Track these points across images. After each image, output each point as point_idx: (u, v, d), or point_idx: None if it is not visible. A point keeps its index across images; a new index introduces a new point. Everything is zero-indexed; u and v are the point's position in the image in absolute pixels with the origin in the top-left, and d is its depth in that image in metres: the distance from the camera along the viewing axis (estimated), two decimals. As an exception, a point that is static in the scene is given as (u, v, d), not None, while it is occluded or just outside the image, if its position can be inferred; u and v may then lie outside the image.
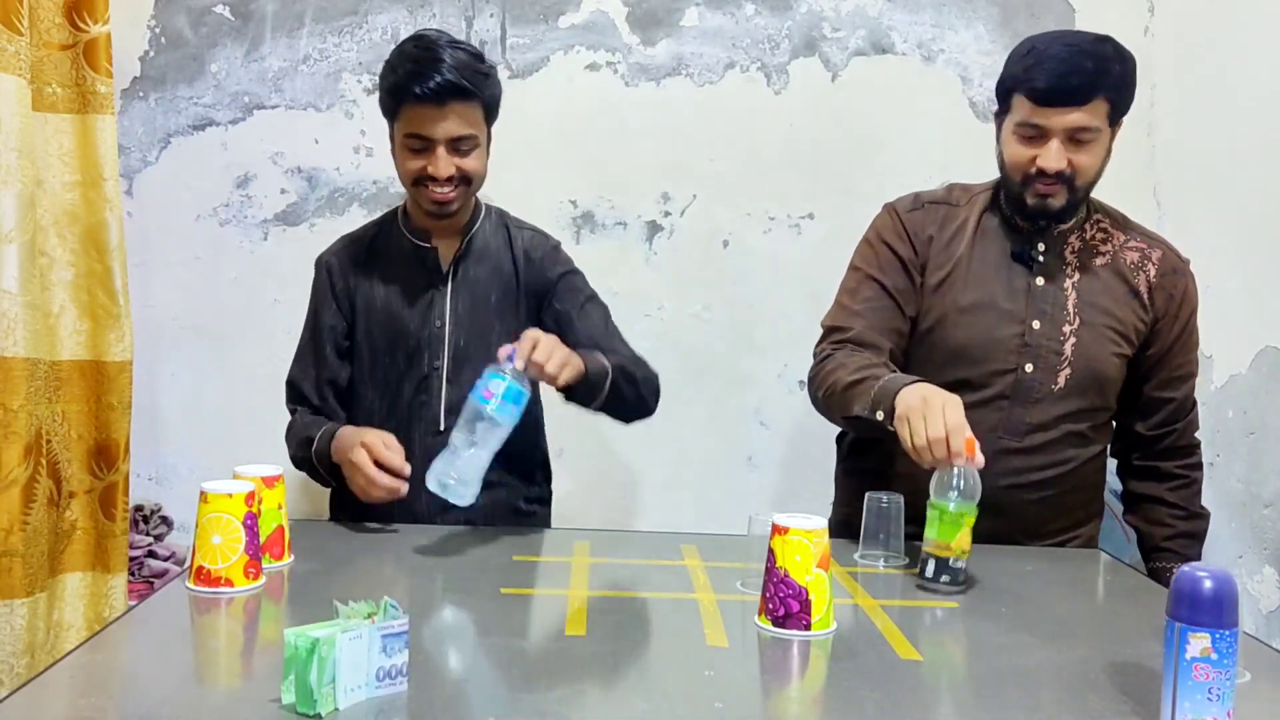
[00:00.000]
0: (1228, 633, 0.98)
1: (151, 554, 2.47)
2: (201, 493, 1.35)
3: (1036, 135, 1.66)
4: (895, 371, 1.65)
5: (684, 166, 2.56)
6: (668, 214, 2.57)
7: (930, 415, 1.44)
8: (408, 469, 1.64)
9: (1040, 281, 1.74)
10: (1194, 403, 1.85)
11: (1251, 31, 2.22)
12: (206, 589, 1.33)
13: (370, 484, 1.63)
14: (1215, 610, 0.98)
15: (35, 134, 2.14)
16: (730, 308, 2.60)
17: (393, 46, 1.77)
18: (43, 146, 2.18)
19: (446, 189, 1.77)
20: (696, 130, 2.55)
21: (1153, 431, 1.82)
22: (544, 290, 1.88)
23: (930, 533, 1.47)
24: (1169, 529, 1.81)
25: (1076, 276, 1.75)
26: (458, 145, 1.76)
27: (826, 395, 1.70)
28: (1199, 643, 0.98)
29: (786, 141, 2.56)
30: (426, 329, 1.85)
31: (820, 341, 1.81)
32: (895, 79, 2.55)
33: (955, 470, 1.45)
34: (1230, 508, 2.20)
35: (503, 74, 2.54)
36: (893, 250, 1.78)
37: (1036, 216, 1.72)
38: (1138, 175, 2.50)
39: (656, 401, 1.86)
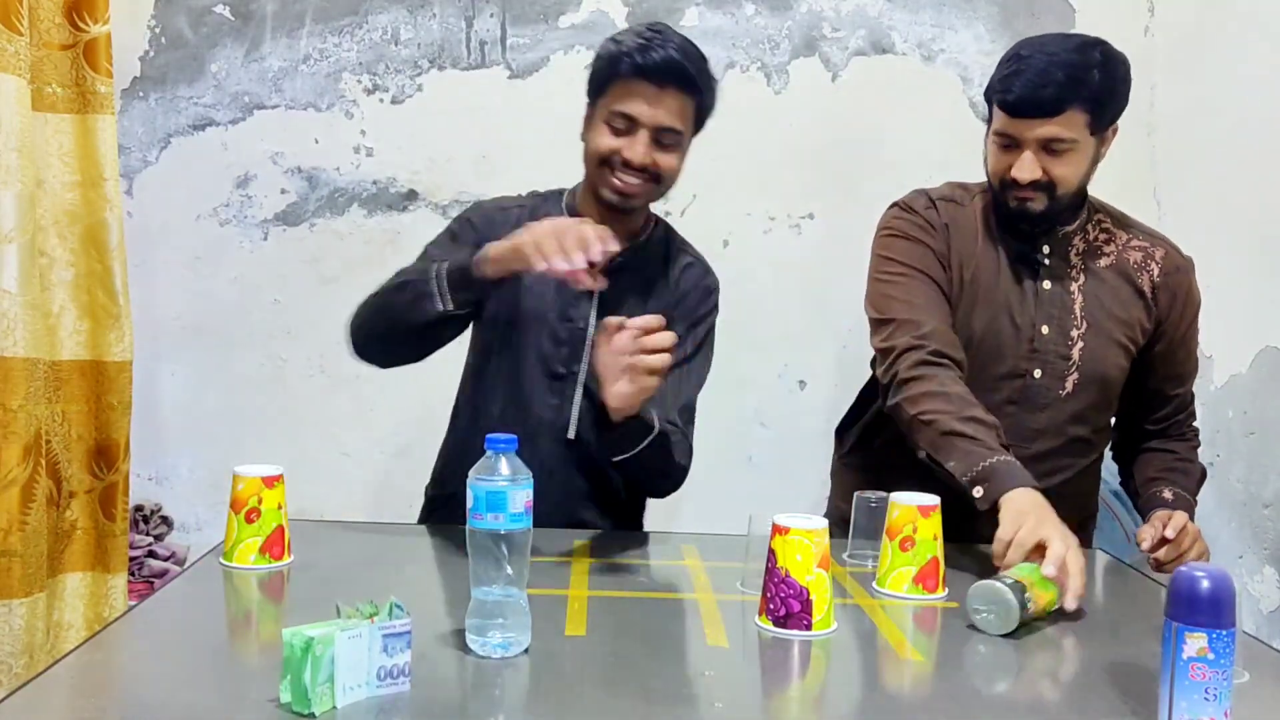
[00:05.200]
0: (1225, 633, 0.98)
1: (151, 554, 2.47)
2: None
3: (1011, 145, 1.64)
4: (1003, 447, 1.55)
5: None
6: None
7: (1026, 538, 1.40)
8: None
9: (1047, 285, 1.72)
10: (1193, 396, 1.87)
11: (1251, 32, 2.22)
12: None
13: (560, 233, 1.42)
14: (1212, 610, 0.98)
15: (35, 134, 2.14)
16: (730, 308, 2.59)
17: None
18: (43, 146, 2.18)
19: (637, 180, 1.63)
20: (696, 130, 2.54)
21: (1157, 425, 1.83)
22: (680, 327, 1.67)
23: (1024, 575, 1.35)
24: (1163, 463, 1.79)
25: (1082, 279, 1.73)
26: (661, 137, 1.63)
27: (915, 423, 1.60)
28: (1195, 642, 0.98)
29: (786, 141, 2.56)
30: (567, 328, 1.70)
31: (891, 333, 1.69)
32: (895, 79, 2.56)
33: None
34: (1230, 508, 2.21)
35: (502, 74, 2.55)
36: (929, 247, 1.74)
37: (1018, 220, 1.70)
38: (1138, 175, 2.50)
39: (672, 488, 1.70)
